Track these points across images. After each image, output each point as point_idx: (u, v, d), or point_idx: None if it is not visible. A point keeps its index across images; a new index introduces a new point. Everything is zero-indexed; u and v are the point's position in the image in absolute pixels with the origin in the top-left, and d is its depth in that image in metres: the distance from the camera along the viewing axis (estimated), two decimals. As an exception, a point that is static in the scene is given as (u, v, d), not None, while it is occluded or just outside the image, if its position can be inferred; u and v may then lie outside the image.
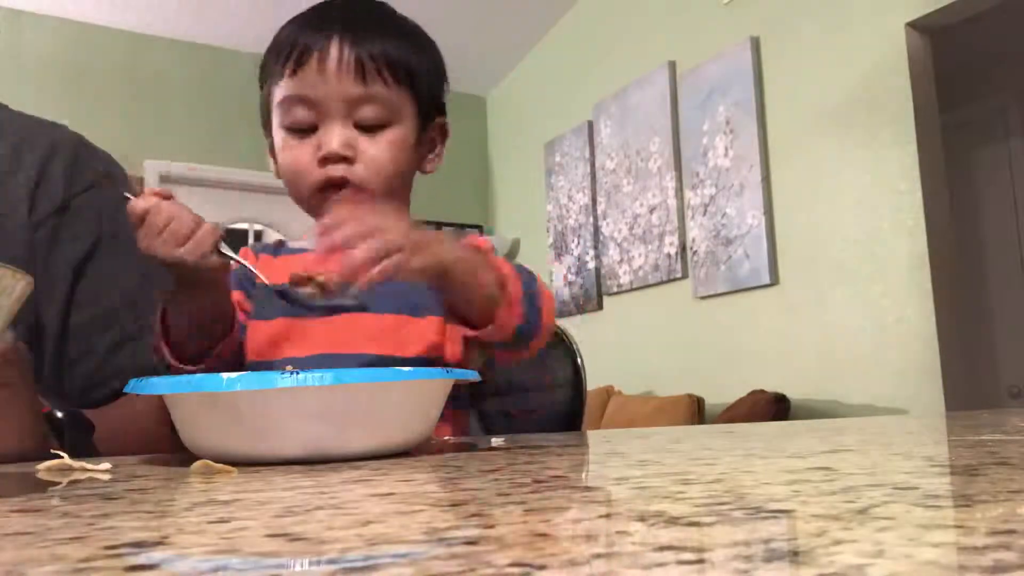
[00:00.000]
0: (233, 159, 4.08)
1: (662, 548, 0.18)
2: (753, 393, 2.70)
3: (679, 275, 3.23)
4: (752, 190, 2.92)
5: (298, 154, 0.77)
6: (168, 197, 0.64)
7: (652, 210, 3.38)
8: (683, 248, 3.23)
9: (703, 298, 3.14)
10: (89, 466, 0.44)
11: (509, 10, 3.89)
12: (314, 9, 0.81)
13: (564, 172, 3.96)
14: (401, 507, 0.26)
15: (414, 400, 0.50)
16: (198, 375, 0.47)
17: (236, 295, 0.78)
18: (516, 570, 0.16)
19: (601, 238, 3.67)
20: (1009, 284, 3.84)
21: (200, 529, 0.22)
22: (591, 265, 3.72)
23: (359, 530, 0.22)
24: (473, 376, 0.54)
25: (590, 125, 3.79)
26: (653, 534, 0.20)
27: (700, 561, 0.16)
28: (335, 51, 0.75)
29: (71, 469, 0.43)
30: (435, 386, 0.52)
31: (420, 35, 0.83)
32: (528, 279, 0.71)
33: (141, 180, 3.91)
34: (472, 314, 0.67)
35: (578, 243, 3.81)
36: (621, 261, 3.53)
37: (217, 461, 0.43)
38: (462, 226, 4.21)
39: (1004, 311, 3.84)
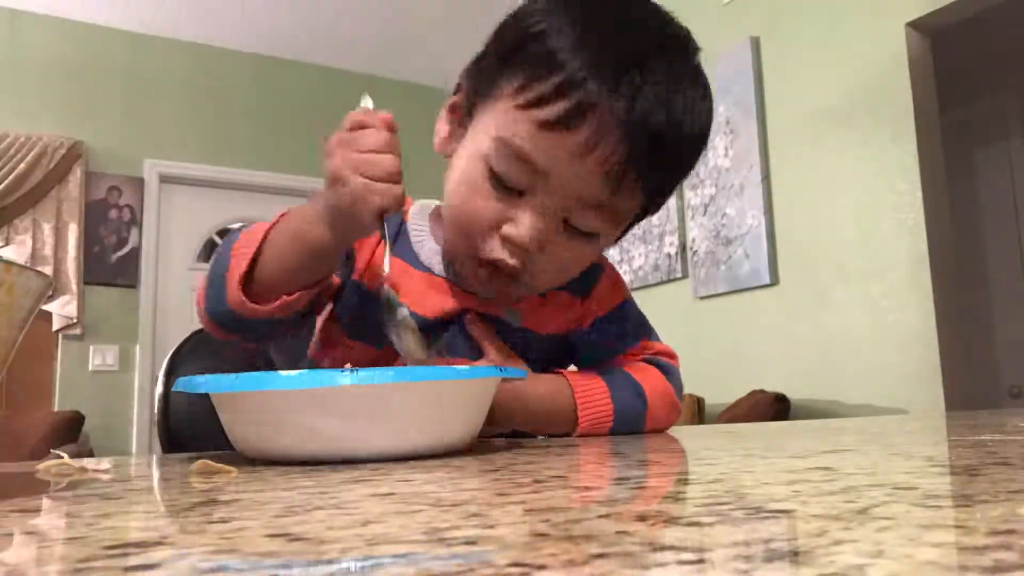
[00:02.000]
0: (233, 159, 4.09)
1: (662, 548, 0.18)
2: (753, 393, 2.70)
3: (679, 275, 3.23)
4: (752, 190, 2.92)
5: (484, 210, 0.60)
6: (392, 129, 0.54)
7: (652, 210, 3.38)
8: (683, 248, 3.23)
9: (703, 298, 3.14)
10: (89, 466, 0.44)
11: (508, 11, 3.88)
12: (617, 41, 0.58)
13: (564, 172, 3.96)
14: (401, 507, 0.26)
15: (470, 398, 0.50)
16: (249, 375, 0.44)
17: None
18: (516, 570, 0.16)
19: (601, 238, 3.67)
20: (1009, 284, 3.84)
21: (200, 529, 0.22)
22: (591, 265, 3.72)
23: (359, 530, 0.22)
24: (522, 374, 0.53)
25: (590, 125, 3.79)
26: (653, 534, 0.20)
27: (700, 561, 0.16)
28: (611, 143, 0.56)
29: (71, 469, 0.43)
30: (488, 384, 0.52)
31: (709, 106, 0.64)
32: (626, 405, 0.67)
33: (140, 181, 3.91)
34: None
35: (578, 243, 3.81)
36: (621, 261, 3.53)
37: (274, 462, 0.43)
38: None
39: (1004, 311, 3.84)
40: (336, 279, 0.68)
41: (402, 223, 0.72)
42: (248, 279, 0.59)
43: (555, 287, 0.68)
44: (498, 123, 0.59)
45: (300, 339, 0.72)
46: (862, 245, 2.59)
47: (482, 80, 0.62)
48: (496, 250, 0.60)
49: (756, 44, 2.96)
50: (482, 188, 0.60)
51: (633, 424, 0.68)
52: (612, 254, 3.56)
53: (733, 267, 2.99)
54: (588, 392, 0.66)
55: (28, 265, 0.30)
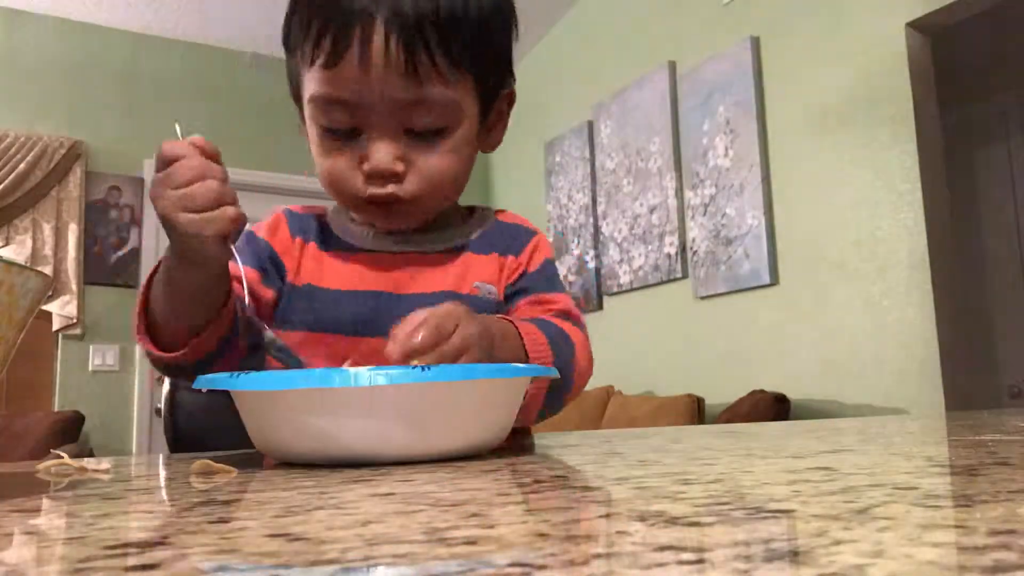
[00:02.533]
0: (233, 159, 4.07)
1: (662, 548, 0.18)
2: (753, 393, 2.70)
3: (679, 275, 3.23)
4: (752, 190, 2.92)
5: (338, 162, 0.66)
6: (212, 156, 0.55)
7: (652, 210, 3.38)
8: (683, 248, 3.23)
9: (703, 298, 3.13)
10: (89, 466, 0.44)
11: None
12: None
13: (564, 172, 3.96)
14: (401, 507, 0.26)
15: (501, 397, 0.49)
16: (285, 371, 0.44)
17: (249, 273, 0.66)
18: (516, 570, 0.16)
19: (601, 238, 3.67)
20: (1009, 284, 3.84)
21: (200, 529, 0.22)
22: (591, 265, 3.72)
23: (359, 530, 0.22)
24: (554, 373, 0.53)
25: (590, 125, 3.79)
26: (653, 534, 0.20)
27: (700, 561, 0.16)
28: (379, 40, 0.60)
29: (71, 469, 0.43)
30: (520, 383, 0.51)
31: None
32: (559, 348, 0.65)
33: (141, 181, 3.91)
34: None
35: (578, 243, 3.81)
36: (621, 261, 3.53)
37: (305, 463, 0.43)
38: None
39: (1004, 311, 3.84)
40: (269, 292, 0.70)
41: (324, 226, 0.75)
42: (153, 330, 0.61)
43: (440, 198, 0.70)
44: (306, 90, 0.66)
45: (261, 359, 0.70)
46: (862, 245, 2.59)
47: (290, 71, 0.71)
48: (368, 187, 0.65)
49: (756, 44, 2.96)
50: (325, 145, 0.66)
51: (566, 370, 0.67)
52: (612, 254, 3.57)
53: (733, 267, 2.99)
54: (534, 340, 0.65)
55: (28, 265, 0.29)
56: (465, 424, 0.46)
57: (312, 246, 0.72)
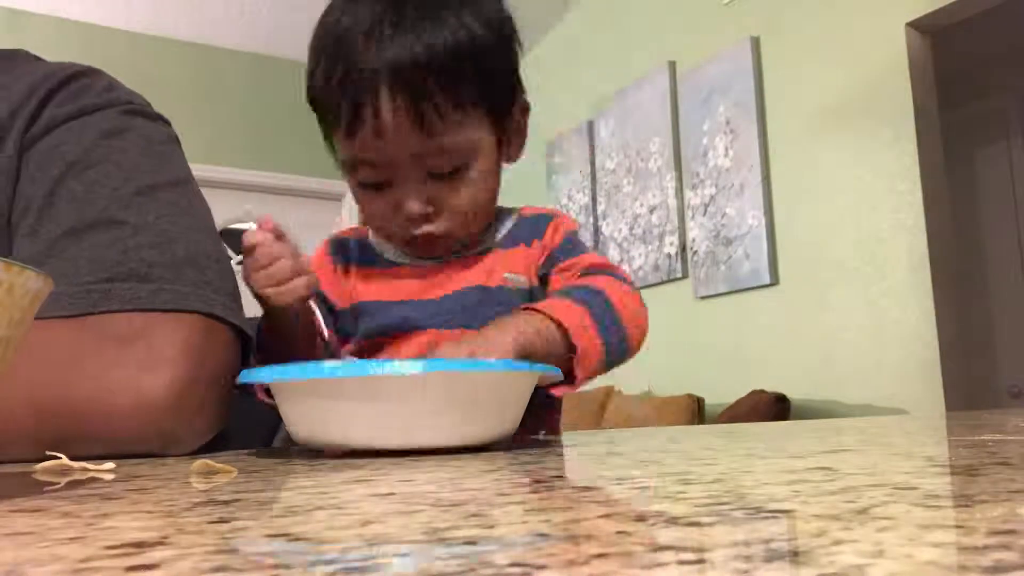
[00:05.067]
0: (233, 159, 4.08)
1: (662, 548, 0.18)
2: (753, 393, 2.70)
3: (679, 275, 3.23)
4: (752, 190, 2.92)
5: (377, 210, 0.74)
6: (280, 236, 0.63)
7: (652, 210, 3.38)
8: (683, 248, 3.23)
9: (703, 298, 3.14)
10: (90, 466, 0.44)
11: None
12: (344, 36, 0.68)
13: (564, 172, 3.96)
14: (401, 507, 0.26)
15: (515, 390, 0.53)
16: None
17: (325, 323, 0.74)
18: (516, 570, 0.16)
19: (601, 238, 3.67)
20: (1009, 284, 3.84)
21: (200, 529, 0.22)
22: (591, 265, 3.72)
23: (359, 530, 0.22)
24: (556, 371, 0.57)
25: (590, 125, 3.79)
26: (653, 534, 0.20)
27: (700, 561, 0.16)
28: (387, 105, 0.67)
29: (71, 469, 0.43)
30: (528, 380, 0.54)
31: (479, 4, 0.71)
32: (599, 309, 0.69)
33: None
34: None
35: (578, 243, 3.81)
36: (621, 261, 3.53)
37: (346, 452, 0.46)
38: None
39: (1004, 311, 3.84)
40: (328, 331, 0.76)
41: (365, 245, 0.83)
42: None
43: (473, 225, 0.76)
44: (340, 152, 0.73)
45: None
46: (862, 245, 2.59)
47: (323, 128, 0.76)
48: (406, 230, 0.73)
49: (756, 44, 2.96)
50: (363, 195, 0.74)
51: (606, 317, 0.70)
52: (612, 254, 3.57)
53: (733, 267, 2.99)
54: (563, 309, 0.67)
55: (25, 265, 0.29)
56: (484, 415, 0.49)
57: (353, 266, 0.81)
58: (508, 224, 0.82)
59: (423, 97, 0.66)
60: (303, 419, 0.50)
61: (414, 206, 0.71)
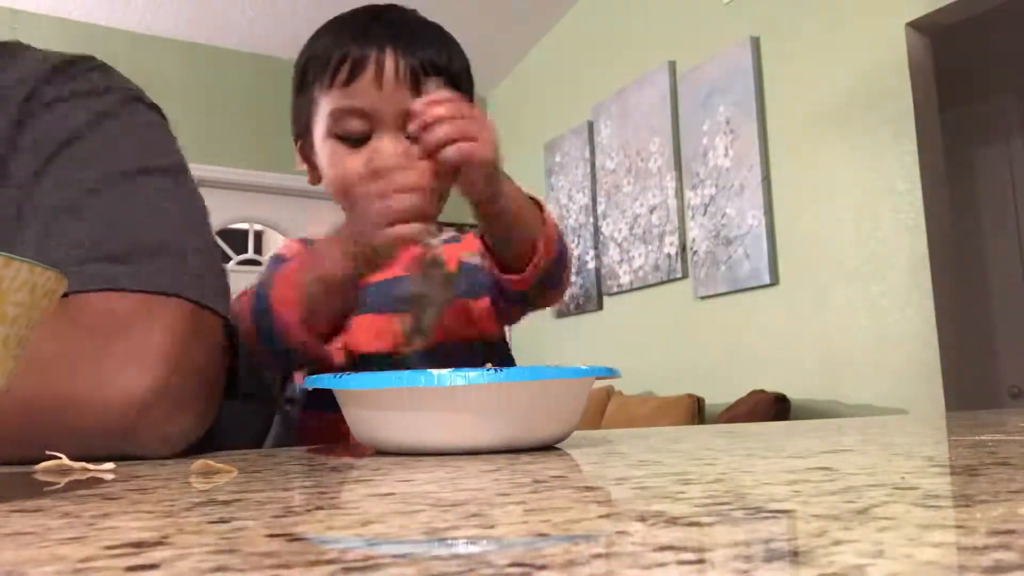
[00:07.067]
0: (233, 159, 4.08)
1: (662, 548, 0.18)
2: (753, 393, 2.70)
3: (679, 275, 3.23)
4: (752, 190, 2.92)
5: (350, 164, 0.76)
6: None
7: (652, 210, 3.38)
8: (683, 248, 3.23)
9: (703, 298, 3.14)
10: (90, 466, 0.44)
11: (509, 10, 3.89)
12: (351, 18, 0.80)
13: (564, 172, 3.96)
14: (401, 507, 0.26)
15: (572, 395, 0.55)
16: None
17: None
18: (516, 570, 0.16)
19: (601, 238, 3.67)
20: (1009, 284, 3.84)
21: (200, 529, 0.22)
22: (591, 265, 3.72)
23: (359, 530, 0.22)
24: (618, 373, 0.58)
25: (590, 125, 3.79)
26: (653, 534, 0.20)
27: (700, 561, 0.16)
28: (390, 62, 0.75)
29: (71, 469, 0.43)
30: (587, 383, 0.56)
31: (450, 39, 0.84)
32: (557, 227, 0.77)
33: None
34: (509, 250, 0.74)
35: (578, 243, 3.81)
36: (621, 261, 3.53)
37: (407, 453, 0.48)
38: (461, 226, 4.22)
39: (1004, 311, 3.84)
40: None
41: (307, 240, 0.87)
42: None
43: (433, 203, 0.77)
44: (323, 110, 0.77)
45: None
46: (862, 245, 2.59)
47: (299, 110, 0.82)
48: (377, 185, 0.74)
49: (756, 44, 2.96)
50: (337, 154, 0.77)
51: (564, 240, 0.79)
52: (612, 254, 3.57)
53: (733, 267, 2.99)
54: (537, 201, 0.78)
55: (35, 263, 0.29)
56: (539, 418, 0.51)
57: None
58: (450, 233, 0.90)
59: (420, 68, 0.75)
60: (383, 423, 0.50)
61: (389, 147, 0.75)
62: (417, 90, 0.74)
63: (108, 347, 0.53)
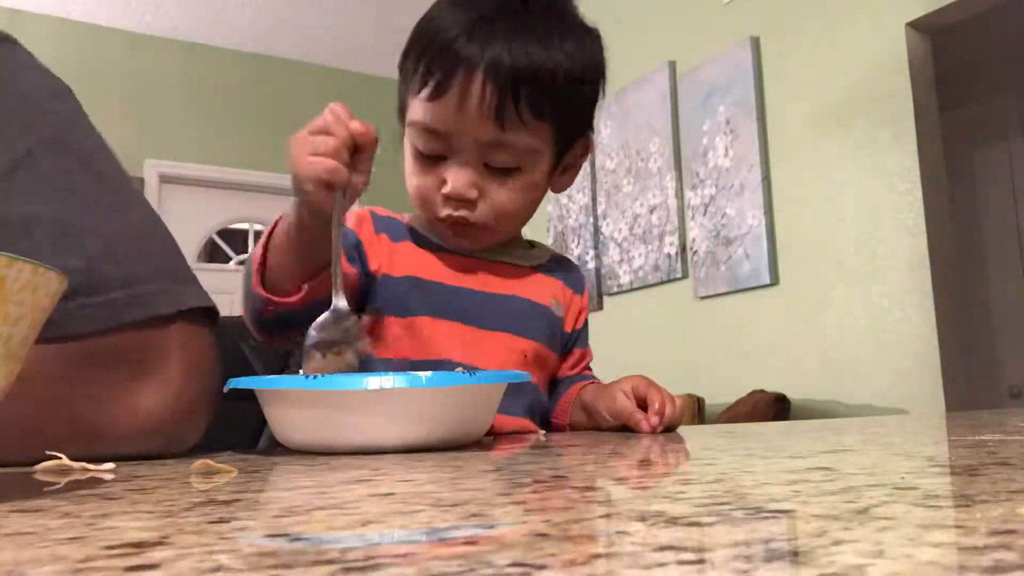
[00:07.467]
0: (233, 159, 4.09)
1: (662, 548, 0.18)
2: (753, 393, 2.70)
3: (679, 275, 3.23)
4: (752, 190, 2.92)
5: (424, 182, 0.76)
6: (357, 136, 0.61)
7: (652, 210, 3.38)
8: (683, 248, 3.23)
9: (703, 298, 3.14)
10: (90, 466, 0.44)
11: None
12: (468, 11, 0.73)
13: (564, 172, 3.95)
14: (401, 507, 0.26)
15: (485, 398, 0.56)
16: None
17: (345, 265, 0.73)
18: (516, 570, 0.16)
19: (601, 238, 3.67)
20: (1009, 284, 3.84)
21: (200, 529, 0.22)
22: (591, 265, 3.72)
23: (359, 530, 0.22)
24: (527, 377, 0.59)
25: (590, 125, 3.79)
26: (653, 534, 0.20)
27: (700, 561, 0.16)
28: (476, 87, 0.70)
29: (71, 469, 0.43)
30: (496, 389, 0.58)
31: (584, 44, 0.77)
32: None
33: (141, 181, 3.91)
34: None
35: (578, 243, 3.81)
36: (621, 261, 3.53)
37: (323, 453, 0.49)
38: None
39: (1004, 311, 3.84)
40: (352, 269, 0.76)
41: (411, 229, 0.83)
42: (266, 279, 0.67)
43: (506, 228, 0.80)
44: (409, 116, 0.76)
45: None
46: (862, 245, 2.59)
47: (399, 92, 0.80)
48: (444, 208, 0.75)
49: (756, 44, 2.96)
50: (416, 166, 0.76)
51: None
52: (612, 254, 3.57)
53: (733, 267, 2.99)
54: None
55: (38, 263, 0.29)
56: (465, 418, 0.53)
57: (406, 244, 0.81)
58: (546, 255, 0.89)
59: (509, 92, 0.71)
60: (300, 423, 0.53)
61: (460, 183, 0.73)
62: (502, 126, 0.71)
63: (123, 375, 0.52)
